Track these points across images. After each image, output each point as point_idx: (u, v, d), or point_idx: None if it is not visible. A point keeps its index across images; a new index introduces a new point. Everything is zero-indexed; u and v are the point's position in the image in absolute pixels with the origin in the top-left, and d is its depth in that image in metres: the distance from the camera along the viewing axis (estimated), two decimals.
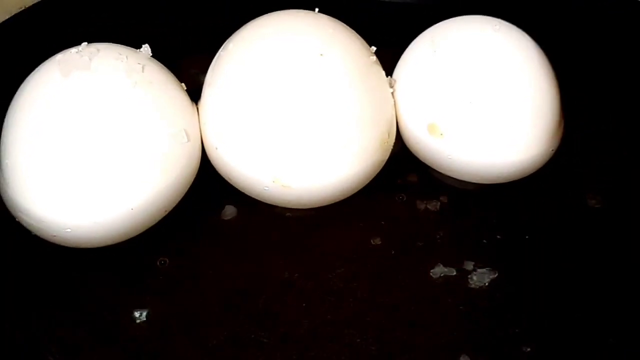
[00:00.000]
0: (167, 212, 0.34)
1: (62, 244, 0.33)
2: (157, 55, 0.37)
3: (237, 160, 0.35)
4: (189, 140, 0.34)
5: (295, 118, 0.34)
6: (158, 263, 0.33)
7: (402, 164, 0.38)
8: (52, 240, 0.33)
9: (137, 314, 0.31)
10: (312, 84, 0.34)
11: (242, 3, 0.46)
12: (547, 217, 0.36)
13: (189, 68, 0.42)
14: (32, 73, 0.33)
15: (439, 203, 0.37)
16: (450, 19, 0.39)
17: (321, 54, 0.34)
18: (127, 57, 0.33)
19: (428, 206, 0.37)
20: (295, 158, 0.34)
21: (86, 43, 0.33)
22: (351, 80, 0.35)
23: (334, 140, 0.34)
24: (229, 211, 0.36)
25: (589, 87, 0.42)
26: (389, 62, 0.40)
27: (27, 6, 0.39)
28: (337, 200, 0.36)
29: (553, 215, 0.36)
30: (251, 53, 0.35)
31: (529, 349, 0.30)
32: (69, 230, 0.32)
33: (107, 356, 0.30)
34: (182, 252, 0.34)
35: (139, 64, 0.33)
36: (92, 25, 0.42)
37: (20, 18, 0.39)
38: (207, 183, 0.37)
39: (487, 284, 0.33)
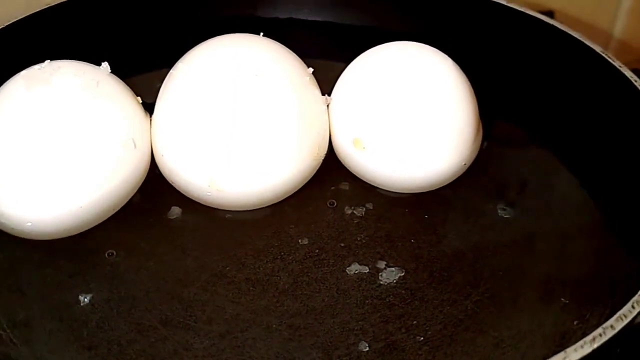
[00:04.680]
0: (115, 211, 0.39)
1: (21, 235, 0.37)
2: (128, 70, 0.42)
3: (179, 167, 0.39)
4: (136, 148, 0.39)
5: (229, 131, 0.38)
6: (106, 254, 0.38)
7: (336, 174, 0.43)
8: (11, 232, 0.38)
9: (82, 297, 0.36)
10: (246, 102, 0.38)
11: (203, 27, 0.52)
12: (460, 225, 0.40)
13: (155, 82, 0.47)
14: (1, 87, 0.38)
15: (364, 209, 0.41)
16: (383, 44, 0.43)
17: (256, 74, 0.39)
18: (84, 73, 0.38)
19: (354, 211, 0.41)
20: (228, 165, 0.38)
21: (49, 61, 0.38)
22: (283, 98, 0.39)
23: (263, 150, 0.38)
24: (175, 212, 0.40)
25: (505, 108, 0.46)
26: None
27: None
28: (269, 204, 0.40)
29: (465, 223, 0.40)
30: (195, 72, 0.39)
31: (421, 339, 0.34)
32: (29, 224, 0.37)
33: (53, 331, 0.34)
34: (130, 246, 0.38)
35: (93, 79, 0.38)
36: (75, 43, 0.47)
37: None
38: (157, 187, 0.41)
39: (394, 281, 0.37)
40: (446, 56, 0.42)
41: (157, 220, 0.40)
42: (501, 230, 0.40)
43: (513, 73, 0.48)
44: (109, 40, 0.49)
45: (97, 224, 0.38)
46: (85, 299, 0.36)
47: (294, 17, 0.54)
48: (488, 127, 0.44)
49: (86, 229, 0.38)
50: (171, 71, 0.41)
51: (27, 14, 0.46)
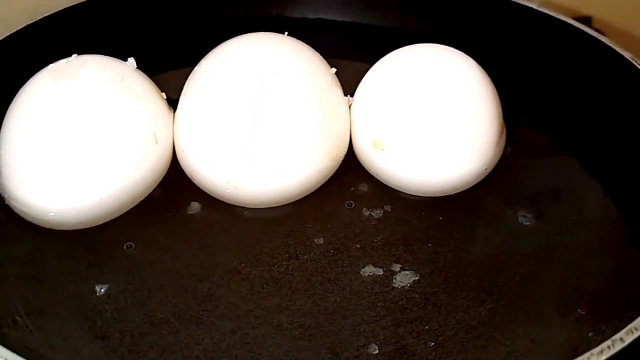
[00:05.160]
0: (135, 204, 0.39)
1: (43, 225, 0.38)
2: (156, 67, 0.43)
3: (199, 163, 0.40)
4: (157, 143, 0.39)
5: (249, 129, 0.38)
6: (125, 246, 0.38)
7: (356, 175, 0.43)
8: (34, 222, 0.38)
9: (98, 288, 0.36)
10: (267, 100, 0.38)
11: (231, 26, 0.52)
12: (479, 231, 0.40)
13: (183, 80, 0.48)
14: (30, 79, 0.39)
15: (382, 211, 0.41)
16: (407, 46, 0.43)
17: (277, 73, 0.39)
18: (110, 67, 0.39)
19: (372, 213, 0.41)
20: (247, 163, 0.39)
21: (76, 55, 0.39)
22: (303, 97, 0.39)
23: (281, 149, 0.39)
24: (194, 207, 0.41)
25: (530, 114, 0.45)
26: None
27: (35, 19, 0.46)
28: (286, 202, 0.40)
29: (484, 229, 0.40)
30: (218, 70, 0.40)
31: (432, 344, 0.34)
32: (52, 214, 0.38)
33: (68, 319, 0.35)
34: (148, 239, 0.39)
35: (118, 74, 0.39)
36: (104, 39, 0.48)
37: (27, 30, 0.45)
38: (178, 182, 0.42)
39: (408, 284, 0.37)
40: (470, 59, 0.42)
41: (176, 215, 0.40)
42: (520, 237, 0.39)
43: (539, 78, 0.47)
44: (138, 37, 0.50)
45: (117, 216, 0.39)
46: (101, 290, 0.36)
47: (321, 17, 0.54)
48: (511, 132, 0.43)
49: (106, 220, 0.39)
50: (195, 68, 0.42)
51: (58, 9, 0.47)
